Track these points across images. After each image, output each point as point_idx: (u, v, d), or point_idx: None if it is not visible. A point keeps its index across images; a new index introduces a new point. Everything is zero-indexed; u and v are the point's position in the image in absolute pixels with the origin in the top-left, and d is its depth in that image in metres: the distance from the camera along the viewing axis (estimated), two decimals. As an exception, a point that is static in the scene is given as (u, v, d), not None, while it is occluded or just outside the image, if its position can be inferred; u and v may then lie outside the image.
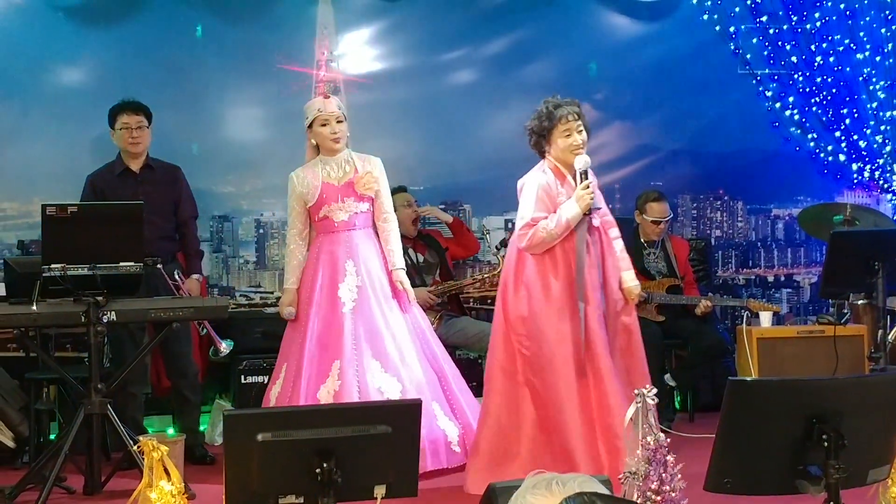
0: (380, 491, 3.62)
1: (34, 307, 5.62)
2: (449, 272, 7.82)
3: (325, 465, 3.44)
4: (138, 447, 4.61)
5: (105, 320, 5.67)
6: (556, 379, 5.74)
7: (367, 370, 6.18)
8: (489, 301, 8.37)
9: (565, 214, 5.71)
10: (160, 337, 6.12)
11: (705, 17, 8.78)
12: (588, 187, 5.72)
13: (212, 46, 8.02)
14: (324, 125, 6.34)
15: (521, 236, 5.83)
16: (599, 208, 5.88)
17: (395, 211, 6.67)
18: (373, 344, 6.25)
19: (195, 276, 6.89)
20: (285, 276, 6.44)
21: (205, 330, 6.59)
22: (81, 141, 7.75)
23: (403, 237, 7.40)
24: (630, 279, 6.02)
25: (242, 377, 7.29)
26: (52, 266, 5.63)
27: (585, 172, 5.75)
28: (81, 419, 5.72)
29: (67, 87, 7.83)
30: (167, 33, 7.92)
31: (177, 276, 6.67)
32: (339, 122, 6.35)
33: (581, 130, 5.79)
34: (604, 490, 2.27)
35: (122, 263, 5.72)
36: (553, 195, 5.80)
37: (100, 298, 5.65)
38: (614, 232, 6.08)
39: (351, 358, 6.17)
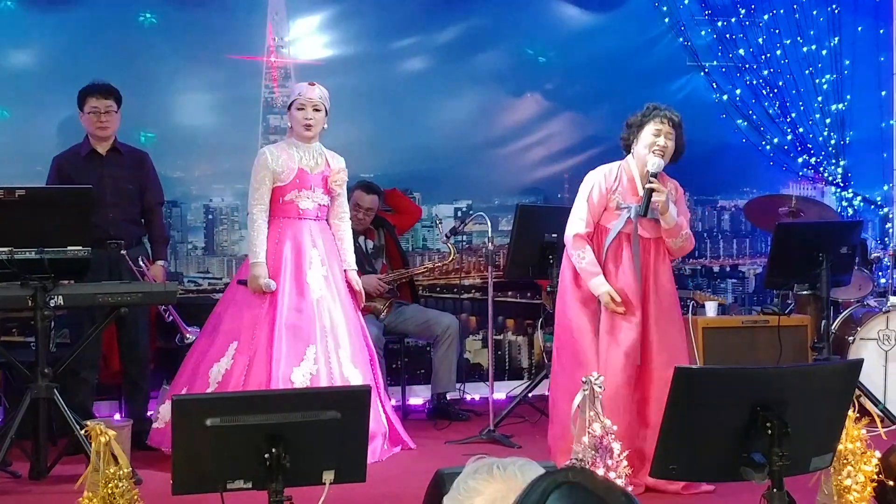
0: (328, 476, 3.64)
1: (-20, 291, 5.58)
2: (401, 253, 7.82)
3: (273, 450, 3.45)
4: (85, 432, 4.60)
5: (52, 304, 5.63)
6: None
7: (339, 359, 6.23)
8: (438, 289, 8.41)
9: (590, 284, 5.64)
10: (108, 322, 6.08)
11: (655, 7, 8.84)
12: (654, 190, 5.62)
13: (161, 31, 7.94)
14: (300, 109, 6.39)
15: (571, 253, 5.75)
16: (652, 217, 5.74)
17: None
18: (339, 335, 6.31)
19: (160, 262, 6.84)
20: (255, 250, 6.25)
21: (171, 317, 6.56)
22: (31, 124, 7.66)
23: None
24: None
25: (190, 363, 7.24)
26: (-1, 249, 5.60)
27: (655, 175, 5.68)
28: (28, 404, 5.68)
29: (17, 71, 7.71)
30: (116, 18, 7.82)
31: (141, 262, 6.63)
32: (315, 109, 6.41)
33: (671, 139, 5.74)
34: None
35: (69, 248, 5.68)
36: (604, 195, 5.74)
37: (47, 283, 5.62)
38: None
39: (323, 345, 6.21)
